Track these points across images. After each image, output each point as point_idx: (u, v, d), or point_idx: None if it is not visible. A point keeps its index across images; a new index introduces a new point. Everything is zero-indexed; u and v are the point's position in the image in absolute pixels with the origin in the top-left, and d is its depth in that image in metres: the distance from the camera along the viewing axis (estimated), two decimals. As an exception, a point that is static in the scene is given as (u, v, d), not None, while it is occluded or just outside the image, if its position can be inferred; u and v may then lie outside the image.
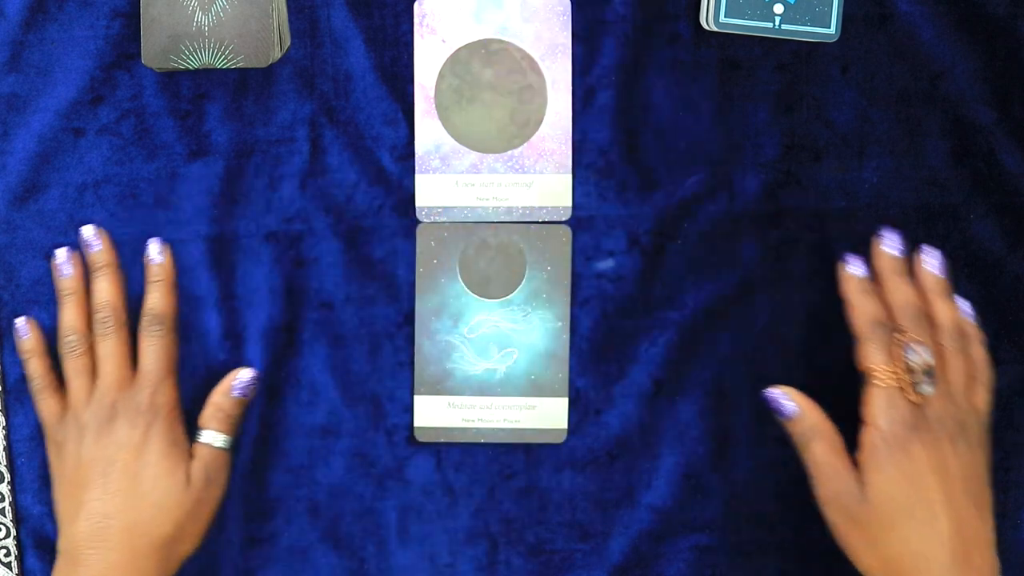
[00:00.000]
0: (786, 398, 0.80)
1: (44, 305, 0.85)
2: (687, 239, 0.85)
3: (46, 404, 0.81)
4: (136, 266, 0.85)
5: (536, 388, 0.86)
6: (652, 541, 0.87)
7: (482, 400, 0.86)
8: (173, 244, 0.85)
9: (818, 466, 0.78)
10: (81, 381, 0.81)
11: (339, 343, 0.85)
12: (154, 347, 0.81)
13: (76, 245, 0.84)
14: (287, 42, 0.83)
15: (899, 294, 0.80)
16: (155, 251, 0.83)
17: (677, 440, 0.86)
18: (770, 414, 0.86)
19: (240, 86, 0.84)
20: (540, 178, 0.85)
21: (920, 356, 0.77)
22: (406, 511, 0.87)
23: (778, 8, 0.82)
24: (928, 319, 0.80)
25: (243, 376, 0.83)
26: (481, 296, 0.86)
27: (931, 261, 0.82)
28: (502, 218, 0.85)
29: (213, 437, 0.81)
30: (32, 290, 0.85)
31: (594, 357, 0.86)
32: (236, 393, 0.83)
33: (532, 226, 0.85)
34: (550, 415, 0.86)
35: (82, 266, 0.83)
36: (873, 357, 0.78)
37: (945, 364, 0.79)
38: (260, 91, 0.84)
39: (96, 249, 0.83)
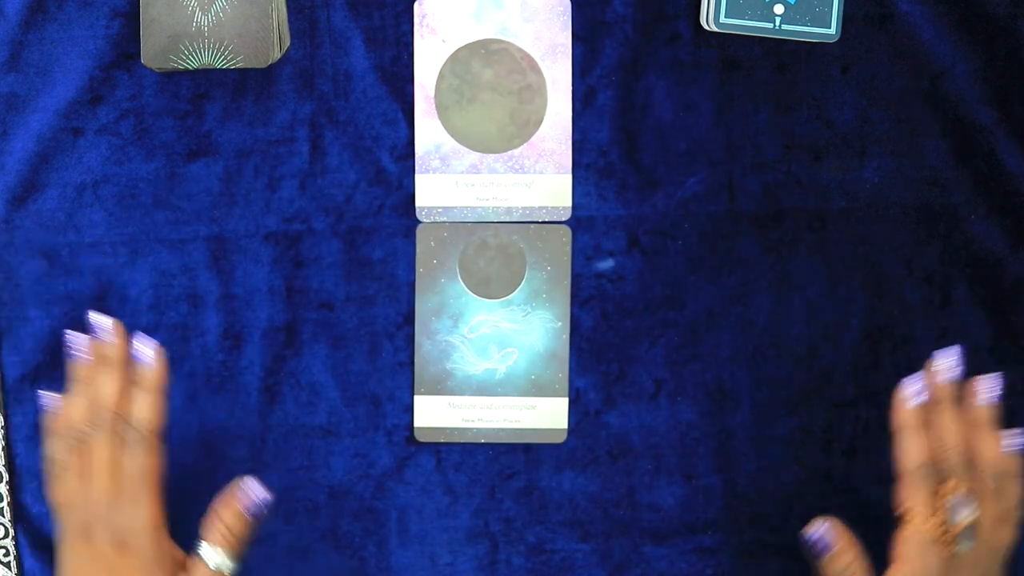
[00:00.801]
0: (828, 533, 0.77)
1: (43, 305, 0.85)
2: (687, 239, 0.85)
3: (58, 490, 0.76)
4: (133, 268, 0.85)
5: (536, 388, 0.86)
6: (652, 541, 0.87)
7: (482, 400, 0.86)
8: (172, 244, 0.85)
9: None
10: (72, 483, 0.75)
11: (339, 343, 0.85)
12: (137, 463, 0.74)
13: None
14: (287, 42, 0.82)
15: (951, 434, 0.76)
16: (149, 354, 0.77)
17: (677, 440, 0.86)
18: (770, 414, 0.87)
19: (240, 86, 0.84)
20: (540, 178, 0.85)
21: (966, 514, 0.73)
22: (406, 511, 0.87)
23: (778, 8, 0.82)
24: (973, 454, 0.76)
25: (253, 491, 0.76)
26: (481, 296, 0.86)
27: (987, 392, 0.77)
28: (502, 218, 0.85)
29: (211, 555, 0.74)
30: (31, 290, 0.85)
31: (594, 357, 0.86)
32: (246, 512, 0.75)
33: (532, 226, 0.85)
34: (550, 415, 0.86)
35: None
36: (916, 500, 0.74)
37: (981, 504, 0.75)
38: (260, 91, 0.84)
39: (108, 342, 0.77)
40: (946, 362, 0.77)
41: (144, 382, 0.76)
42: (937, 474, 0.74)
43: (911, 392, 0.76)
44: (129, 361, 0.77)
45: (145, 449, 0.75)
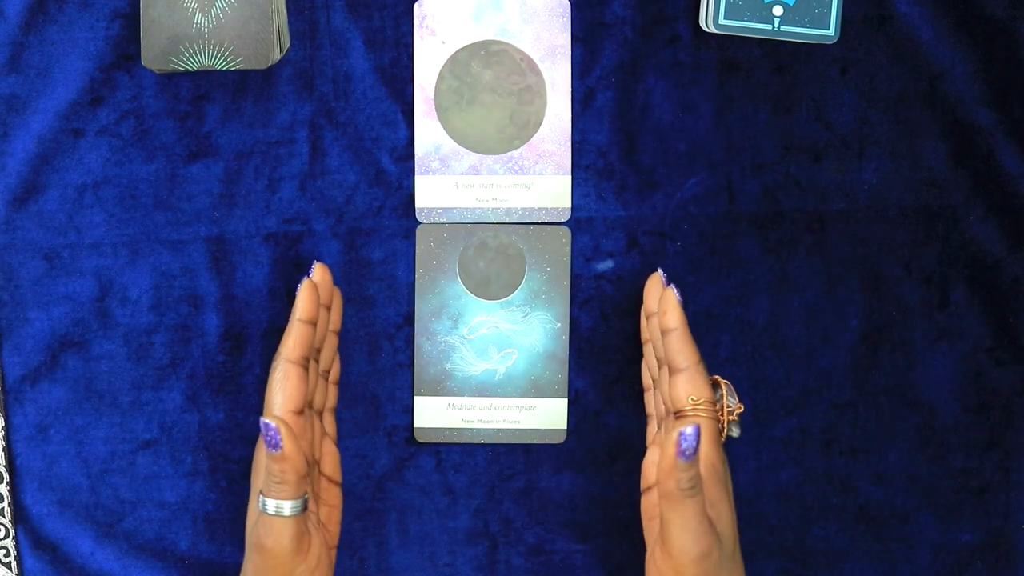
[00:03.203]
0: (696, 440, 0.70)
1: (43, 306, 0.85)
2: (686, 240, 0.85)
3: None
4: (134, 269, 0.85)
5: (536, 389, 0.86)
6: (652, 542, 0.87)
7: (482, 401, 0.86)
8: (173, 245, 0.85)
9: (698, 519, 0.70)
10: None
11: (339, 344, 0.85)
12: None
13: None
14: (287, 44, 0.83)
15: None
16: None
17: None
18: (769, 415, 0.87)
19: (240, 87, 0.84)
20: (539, 179, 0.85)
21: (736, 401, 0.76)
22: (406, 511, 0.87)
23: (777, 10, 0.82)
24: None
25: (267, 425, 0.71)
26: (481, 297, 0.86)
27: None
28: (502, 219, 0.85)
29: (261, 502, 0.72)
30: (32, 290, 0.85)
31: (594, 358, 0.86)
32: (270, 448, 0.71)
33: (531, 227, 0.85)
34: (550, 415, 0.86)
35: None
36: (703, 389, 0.74)
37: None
38: (260, 92, 0.84)
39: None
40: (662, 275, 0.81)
41: (294, 312, 0.78)
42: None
43: (670, 296, 0.77)
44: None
45: (279, 376, 0.76)
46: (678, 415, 0.75)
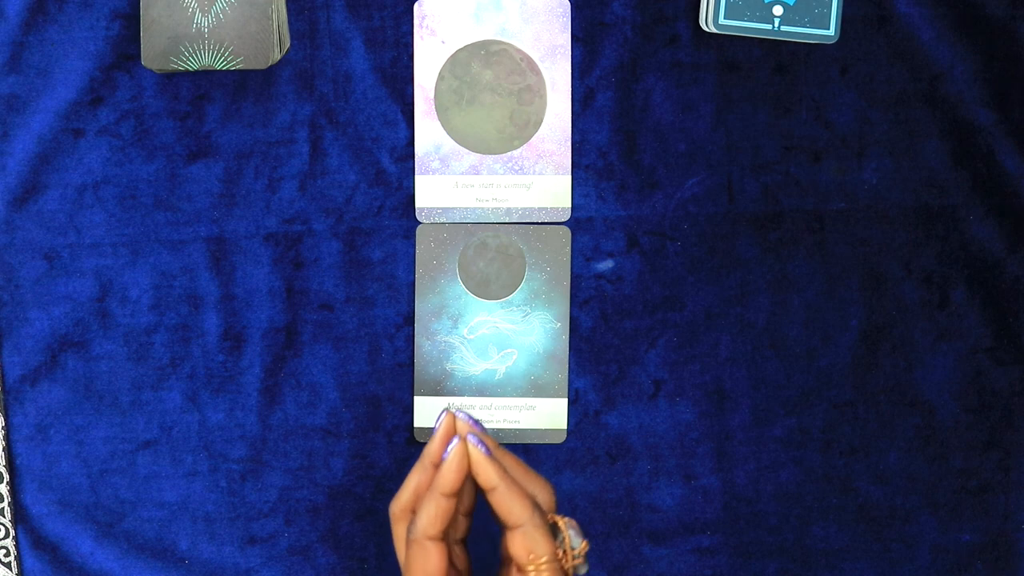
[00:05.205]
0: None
1: (44, 306, 0.85)
2: (687, 240, 0.86)
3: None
4: (134, 269, 0.85)
5: (536, 389, 0.86)
6: (652, 542, 0.87)
7: (482, 401, 0.86)
8: (173, 245, 0.85)
9: None
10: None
11: (339, 344, 0.86)
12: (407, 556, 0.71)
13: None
14: (287, 44, 0.83)
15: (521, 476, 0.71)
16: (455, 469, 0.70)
17: (677, 440, 0.87)
18: (769, 415, 0.87)
19: (240, 87, 0.84)
20: (539, 179, 0.85)
21: (581, 539, 0.71)
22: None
23: (777, 10, 0.82)
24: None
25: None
26: (481, 297, 0.86)
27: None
28: (502, 219, 0.85)
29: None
30: (32, 291, 0.85)
31: (594, 358, 0.86)
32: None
33: (531, 227, 0.85)
34: (550, 415, 0.86)
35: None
36: (539, 544, 0.68)
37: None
38: (260, 92, 0.84)
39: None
40: (461, 416, 0.71)
41: (437, 484, 0.69)
42: (547, 512, 0.71)
43: (471, 455, 0.69)
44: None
45: (416, 552, 0.69)
46: (519, 571, 0.70)
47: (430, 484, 0.70)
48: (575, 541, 0.70)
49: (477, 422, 0.70)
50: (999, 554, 0.87)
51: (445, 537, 0.70)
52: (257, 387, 0.86)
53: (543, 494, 0.71)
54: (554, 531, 0.70)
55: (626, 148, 0.85)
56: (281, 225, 0.85)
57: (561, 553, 0.70)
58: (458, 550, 0.73)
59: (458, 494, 0.70)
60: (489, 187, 0.85)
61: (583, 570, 0.71)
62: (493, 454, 0.69)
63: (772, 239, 0.86)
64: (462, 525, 0.73)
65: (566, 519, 0.71)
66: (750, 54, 0.85)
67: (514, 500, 0.69)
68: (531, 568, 0.69)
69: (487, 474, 0.69)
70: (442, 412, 0.71)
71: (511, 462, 0.71)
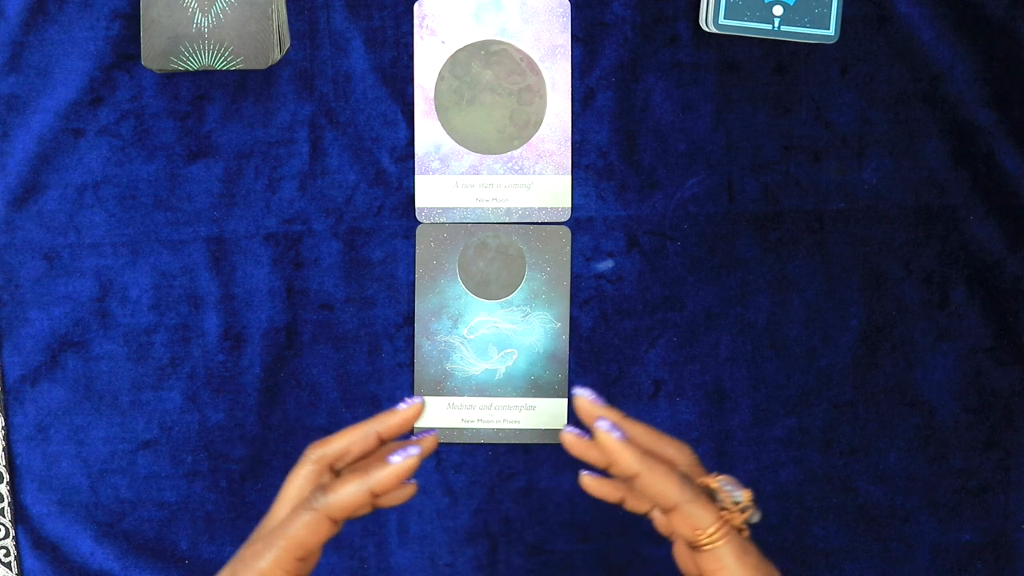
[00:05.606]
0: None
1: (43, 306, 0.85)
2: (686, 240, 0.86)
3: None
4: (134, 269, 0.85)
5: (536, 389, 0.86)
6: (652, 542, 0.87)
7: (482, 401, 0.86)
8: (173, 245, 0.85)
9: None
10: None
11: (339, 344, 0.86)
12: (293, 523, 0.66)
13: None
14: (287, 44, 0.83)
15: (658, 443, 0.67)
16: (402, 465, 0.66)
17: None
18: (769, 415, 0.87)
19: (240, 87, 0.84)
20: (539, 179, 0.85)
21: (740, 490, 0.66)
22: (406, 511, 0.87)
23: (777, 10, 0.82)
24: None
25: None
26: (481, 297, 0.86)
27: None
28: (502, 219, 0.85)
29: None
30: (31, 290, 0.85)
31: (594, 358, 0.86)
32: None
33: (531, 227, 0.85)
34: (550, 415, 0.86)
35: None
36: (701, 512, 0.63)
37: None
38: (260, 92, 0.84)
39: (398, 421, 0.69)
40: (584, 394, 0.66)
41: (372, 478, 0.66)
42: (696, 477, 0.66)
43: (608, 443, 0.64)
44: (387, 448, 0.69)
45: (308, 521, 0.65)
46: (693, 548, 0.64)
47: (362, 453, 0.68)
48: (736, 496, 0.65)
49: (598, 396, 0.66)
50: (999, 554, 0.87)
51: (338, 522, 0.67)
52: (257, 387, 0.86)
53: (681, 456, 0.67)
54: (710, 494, 0.65)
55: (626, 148, 0.85)
56: (281, 225, 0.85)
57: (726, 514, 0.64)
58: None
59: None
60: (489, 187, 0.85)
61: (756, 518, 0.66)
62: (626, 435, 0.64)
63: (772, 239, 0.86)
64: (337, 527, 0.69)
65: (717, 477, 0.66)
66: (750, 54, 0.85)
67: (660, 481, 0.63)
68: (704, 542, 0.64)
69: (627, 462, 0.63)
70: (416, 398, 0.69)
71: (640, 431, 0.66)
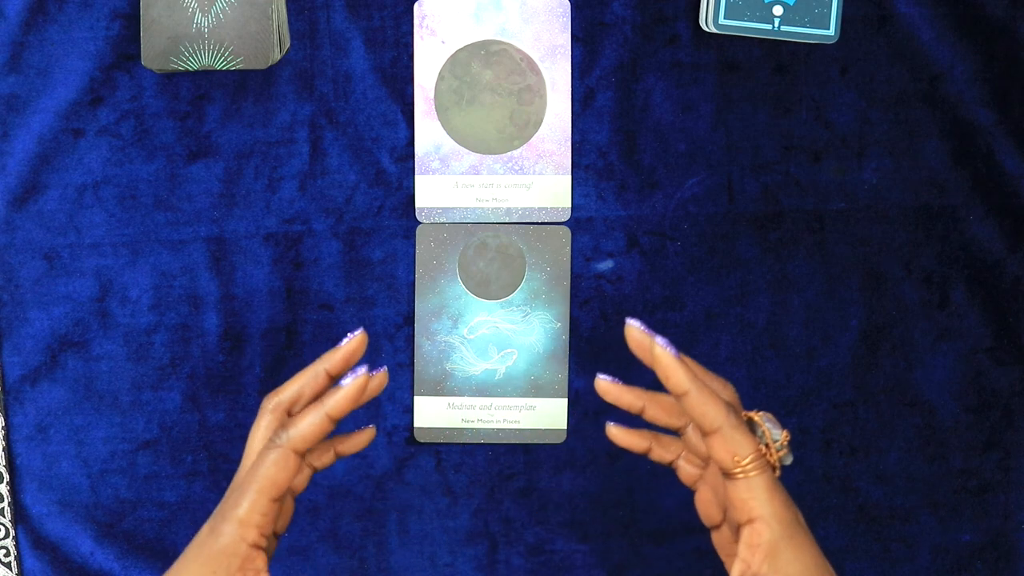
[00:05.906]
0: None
1: (43, 306, 0.85)
2: (686, 240, 0.86)
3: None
4: (134, 269, 0.85)
5: (536, 389, 0.86)
6: (652, 542, 0.87)
7: (482, 401, 0.86)
8: (173, 245, 0.85)
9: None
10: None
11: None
12: (262, 463, 0.67)
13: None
14: (287, 44, 0.83)
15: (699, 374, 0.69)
16: (352, 387, 0.68)
17: (677, 440, 0.86)
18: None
19: (240, 87, 0.84)
20: (539, 179, 0.85)
21: (779, 429, 0.67)
22: (406, 511, 0.87)
23: (777, 10, 0.82)
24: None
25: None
26: (481, 297, 0.86)
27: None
28: (502, 219, 0.85)
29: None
30: (32, 290, 0.85)
31: (594, 358, 0.86)
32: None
33: (531, 227, 0.85)
34: (550, 415, 0.86)
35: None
36: (742, 443, 0.64)
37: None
38: (260, 92, 0.84)
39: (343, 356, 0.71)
40: (635, 324, 0.67)
41: (327, 403, 0.67)
42: (739, 411, 0.67)
43: (664, 358, 0.66)
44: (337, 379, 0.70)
45: (276, 459, 0.66)
46: (726, 475, 0.66)
47: (315, 393, 0.69)
48: (775, 433, 0.67)
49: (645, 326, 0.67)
50: (999, 554, 0.87)
51: (305, 456, 0.68)
52: (257, 387, 0.86)
53: (726, 393, 0.69)
54: (751, 427, 0.67)
55: (626, 148, 0.85)
56: (281, 225, 0.85)
57: (764, 448, 0.66)
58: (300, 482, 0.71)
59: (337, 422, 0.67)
60: (489, 187, 0.85)
61: (789, 460, 0.67)
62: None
63: (772, 239, 0.86)
64: (305, 476, 0.71)
65: (760, 413, 0.67)
66: (750, 54, 0.85)
67: (708, 403, 0.64)
68: (738, 471, 0.65)
69: (678, 377, 0.65)
70: (357, 330, 0.70)
71: (691, 361, 0.68)
